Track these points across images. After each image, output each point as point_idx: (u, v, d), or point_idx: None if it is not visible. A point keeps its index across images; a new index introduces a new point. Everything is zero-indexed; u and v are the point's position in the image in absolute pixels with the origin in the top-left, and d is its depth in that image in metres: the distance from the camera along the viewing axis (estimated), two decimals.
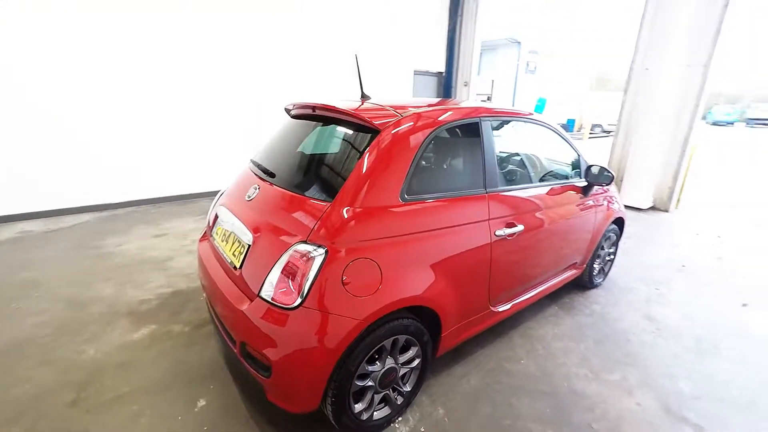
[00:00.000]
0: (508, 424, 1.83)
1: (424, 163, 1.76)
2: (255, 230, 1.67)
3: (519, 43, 16.42)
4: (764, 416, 1.95)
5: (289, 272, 1.46)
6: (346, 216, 1.52)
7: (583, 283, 3.08)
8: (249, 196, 1.88)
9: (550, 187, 2.43)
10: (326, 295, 1.43)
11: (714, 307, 3.00)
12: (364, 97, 2.13)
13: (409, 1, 7.08)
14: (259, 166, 2.05)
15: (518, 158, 2.49)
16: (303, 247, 1.47)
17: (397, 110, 1.78)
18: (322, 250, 1.45)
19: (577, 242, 2.69)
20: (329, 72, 6.31)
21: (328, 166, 1.84)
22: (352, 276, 1.47)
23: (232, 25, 5.23)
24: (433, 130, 1.78)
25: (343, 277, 1.45)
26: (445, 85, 8.34)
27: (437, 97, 8.46)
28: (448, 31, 7.92)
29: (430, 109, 1.87)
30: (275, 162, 2.02)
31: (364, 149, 1.64)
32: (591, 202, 2.71)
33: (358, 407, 1.63)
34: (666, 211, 5.56)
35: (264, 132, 5.83)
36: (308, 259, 1.44)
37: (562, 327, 2.65)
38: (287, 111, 2.30)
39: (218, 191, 2.32)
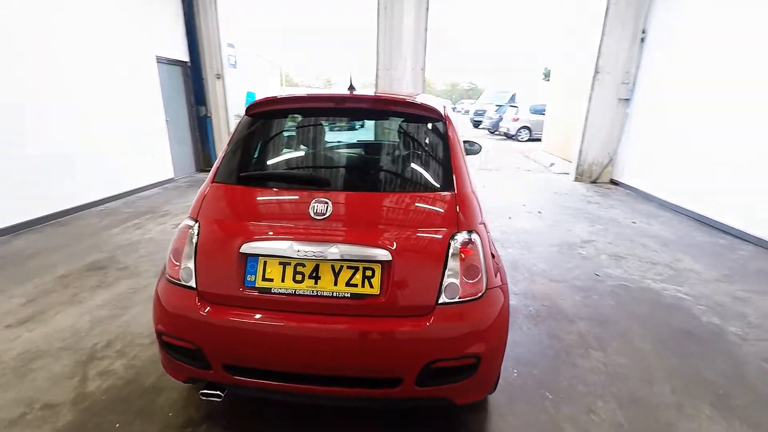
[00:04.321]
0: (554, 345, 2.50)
1: None
2: (383, 244, 1.45)
3: None
4: (574, 260, 3.58)
5: (464, 265, 1.46)
6: (470, 199, 1.64)
7: None
8: (320, 214, 1.50)
9: None
10: (492, 271, 1.56)
11: (508, 223, 4.77)
12: (351, 88, 2.02)
13: None
14: (294, 177, 1.77)
15: None
16: (463, 237, 1.49)
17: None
18: (473, 234, 1.52)
19: None
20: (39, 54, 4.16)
21: (409, 158, 1.82)
22: (493, 250, 1.65)
23: None
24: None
25: (492, 253, 1.60)
26: (194, 77, 7.22)
27: (184, 91, 7.22)
28: (184, 14, 6.80)
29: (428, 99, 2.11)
30: (322, 170, 1.85)
31: (442, 137, 1.76)
32: None
33: None
34: None
35: None
36: (472, 245, 1.49)
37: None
38: (266, 106, 1.79)
39: None
